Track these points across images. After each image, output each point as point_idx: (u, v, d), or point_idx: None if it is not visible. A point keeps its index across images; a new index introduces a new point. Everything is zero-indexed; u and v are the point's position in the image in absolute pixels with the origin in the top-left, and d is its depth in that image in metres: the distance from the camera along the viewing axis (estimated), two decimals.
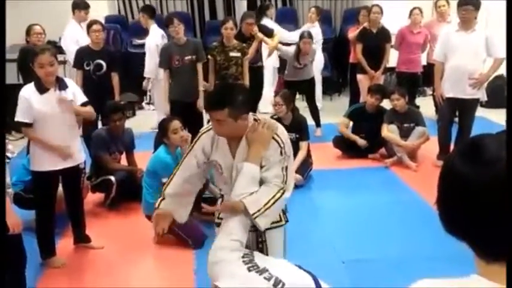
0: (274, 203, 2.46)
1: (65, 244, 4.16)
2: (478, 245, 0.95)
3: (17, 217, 2.88)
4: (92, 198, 4.92)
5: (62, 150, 3.66)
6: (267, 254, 2.65)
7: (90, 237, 4.18)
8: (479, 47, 5.40)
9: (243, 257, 2.34)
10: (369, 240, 4.18)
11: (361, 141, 6.18)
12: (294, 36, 7.40)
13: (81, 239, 4.15)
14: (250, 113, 2.60)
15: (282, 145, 2.53)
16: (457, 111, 5.87)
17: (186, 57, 5.73)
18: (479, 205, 0.91)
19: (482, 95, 5.81)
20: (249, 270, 2.27)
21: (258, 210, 2.44)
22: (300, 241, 3.97)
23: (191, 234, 4.16)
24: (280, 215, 2.73)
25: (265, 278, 2.23)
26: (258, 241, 2.69)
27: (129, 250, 4.16)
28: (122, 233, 4.47)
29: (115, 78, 5.84)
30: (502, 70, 6.20)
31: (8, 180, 3.01)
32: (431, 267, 3.16)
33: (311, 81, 7.16)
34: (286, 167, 2.52)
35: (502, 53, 5.33)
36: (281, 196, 2.49)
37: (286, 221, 2.80)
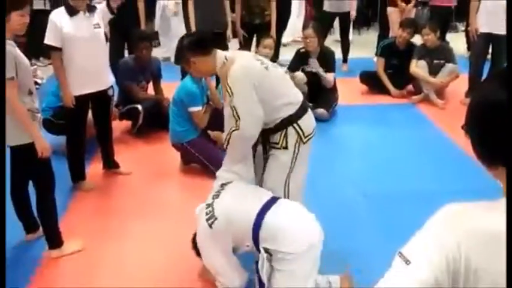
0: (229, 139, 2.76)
1: (94, 169, 4.29)
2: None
3: (45, 142, 2.96)
4: (119, 126, 5.02)
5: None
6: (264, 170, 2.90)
7: (118, 163, 4.29)
8: None
9: (221, 185, 2.81)
10: (390, 175, 4.22)
11: (394, 91, 6.07)
12: None
13: (110, 164, 4.27)
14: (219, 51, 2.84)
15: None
16: (491, 47, 5.68)
17: None
18: None
19: None
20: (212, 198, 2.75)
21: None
22: (322, 175, 4.03)
23: (216, 163, 4.23)
24: (285, 140, 2.80)
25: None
26: (263, 156, 2.92)
27: (157, 177, 4.28)
28: (149, 160, 4.58)
29: (141, 5, 5.77)
30: None
31: (37, 105, 3.06)
32: (453, 201, 3.18)
33: (349, 14, 6.99)
34: (234, 106, 2.65)
35: None
36: (235, 134, 2.69)
37: (301, 140, 2.81)
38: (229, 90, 2.66)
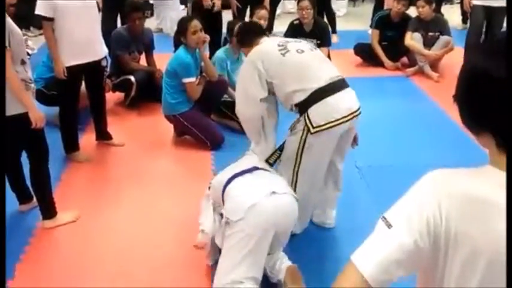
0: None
1: (87, 140, 4.28)
2: (499, 132, 0.97)
3: (39, 111, 2.94)
4: (112, 97, 4.98)
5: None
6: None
7: (111, 135, 4.28)
8: None
9: None
10: (384, 148, 4.24)
11: (389, 63, 6.04)
12: None
13: (103, 135, 4.26)
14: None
15: None
16: (486, 20, 5.64)
17: None
18: (500, 94, 0.95)
19: None
20: None
21: None
22: None
23: (210, 135, 4.24)
24: (294, 126, 2.79)
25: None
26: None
27: (149, 148, 4.27)
28: (142, 132, 4.57)
29: None
30: None
31: (30, 75, 3.02)
32: None
33: None
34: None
35: None
36: None
37: (308, 130, 2.72)
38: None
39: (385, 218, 1.04)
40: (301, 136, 2.72)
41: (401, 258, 1.01)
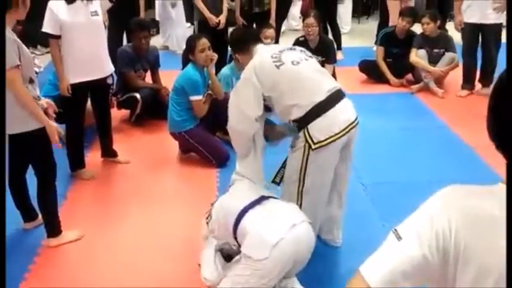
0: None
1: (93, 157, 4.28)
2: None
3: (55, 125, 2.95)
4: (117, 114, 5.00)
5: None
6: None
7: (117, 152, 4.29)
8: None
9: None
10: (390, 165, 4.22)
11: (394, 80, 6.05)
12: None
13: (109, 153, 4.26)
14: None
15: None
16: (480, 37, 5.59)
17: None
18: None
19: (503, 19, 5.53)
20: None
21: None
22: None
23: (215, 153, 4.24)
24: (295, 142, 2.74)
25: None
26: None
27: (155, 166, 4.27)
28: (148, 150, 4.57)
29: None
30: None
31: (38, 93, 3.05)
32: None
33: (334, 1, 6.92)
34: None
35: None
36: None
37: (309, 147, 2.68)
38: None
39: (396, 231, 1.06)
40: (303, 153, 2.67)
41: (409, 270, 1.02)
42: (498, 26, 5.37)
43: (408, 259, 1.02)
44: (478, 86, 5.79)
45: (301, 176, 2.72)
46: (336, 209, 3.05)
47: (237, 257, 2.55)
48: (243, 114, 2.74)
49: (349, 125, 2.70)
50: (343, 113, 2.70)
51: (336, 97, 2.71)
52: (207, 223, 2.75)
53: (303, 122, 2.65)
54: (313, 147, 2.63)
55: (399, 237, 1.04)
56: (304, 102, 2.64)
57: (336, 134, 2.64)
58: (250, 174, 2.84)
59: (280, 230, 2.39)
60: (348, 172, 3.01)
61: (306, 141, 2.65)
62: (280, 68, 2.69)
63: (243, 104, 2.74)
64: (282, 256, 2.36)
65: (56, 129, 2.93)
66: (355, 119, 2.75)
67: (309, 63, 2.79)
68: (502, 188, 1.00)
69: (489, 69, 5.48)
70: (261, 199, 2.61)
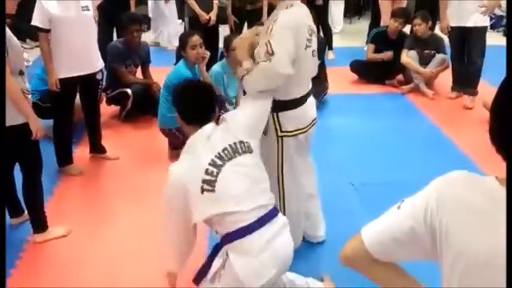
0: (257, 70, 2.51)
1: (81, 153, 4.25)
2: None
3: (39, 122, 2.92)
4: (107, 110, 4.96)
5: None
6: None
7: (105, 148, 4.25)
8: None
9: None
10: (380, 165, 4.22)
11: (388, 54, 6.04)
12: None
13: (97, 149, 4.23)
14: None
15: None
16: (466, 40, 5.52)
17: None
18: None
19: (487, 22, 5.52)
20: None
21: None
22: None
23: None
24: (274, 127, 2.68)
25: None
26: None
27: (144, 162, 4.24)
28: (137, 146, 4.54)
29: None
30: None
31: (27, 86, 3.01)
32: None
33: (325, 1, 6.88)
34: (269, 41, 2.46)
35: None
36: (264, 65, 2.47)
37: (281, 135, 2.69)
38: (270, 27, 2.50)
39: (402, 201, 1.18)
40: (277, 141, 2.70)
41: (399, 237, 1.14)
42: (484, 29, 5.39)
43: (399, 226, 1.14)
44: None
45: (280, 169, 2.76)
46: (313, 206, 3.08)
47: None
48: (290, 56, 2.48)
49: (312, 121, 2.80)
50: (310, 110, 2.78)
51: (308, 93, 2.77)
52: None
53: (278, 107, 2.63)
54: (279, 134, 2.69)
55: (399, 207, 1.17)
56: (293, 91, 2.64)
57: (303, 128, 2.73)
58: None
59: (262, 273, 2.22)
60: (312, 167, 3.06)
61: (274, 125, 2.68)
62: (306, 50, 2.61)
63: (288, 47, 2.47)
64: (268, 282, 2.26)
65: (39, 126, 2.89)
66: (315, 117, 2.85)
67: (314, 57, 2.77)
68: (493, 182, 1.05)
69: (473, 72, 5.48)
70: (270, 215, 2.32)
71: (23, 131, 2.85)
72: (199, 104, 2.34)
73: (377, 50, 6.17)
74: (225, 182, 2.20)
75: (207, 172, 2.20)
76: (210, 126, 2.32)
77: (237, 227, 2.20)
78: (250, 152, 2.34)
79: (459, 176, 1.12)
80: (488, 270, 1.00)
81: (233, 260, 2.21)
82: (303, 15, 2.63)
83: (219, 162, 2.22)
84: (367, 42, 6.59)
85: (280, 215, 2.36)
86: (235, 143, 2.30)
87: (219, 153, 2.24)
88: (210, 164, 2.21)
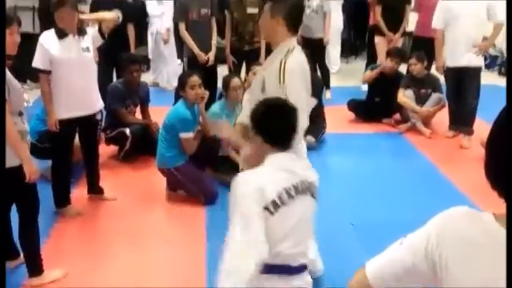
0: None
1: (79, 194, 4.22)
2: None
3: (34, 165, 2.91)
4: (105, 151, 4.96)
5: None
6: None
7: (103, 189, 4.23)
8: (480, 13, 5.21)
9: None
10: (378, 204, 4.21)
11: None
12: None
13: (95, 189, 4.21)
14: None
15: None
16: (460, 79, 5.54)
17: (203, 11, 5.68)
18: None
19: (481, 62, 5.61)
20: None
21: None
22: None
23: (203, 190, 4.21)
24: None
25: None
26: None
27: (142, 203, 4.22)
28: (135, 186, 4.52)
29: (131, 30, 5.80)
30: None
31: (27, 127, 3.02)
32: None
33: (321, 41, 6.97)
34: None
35: (501, 17, 5.16)
36: None
37: None
38: (281, 77, 2.62)
39: (404, 237, 1.21)
40: None
41: (401, 273, 1.18)
42: (478, 69, 5.46)
43: (401, 262, 1.17)
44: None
45: None
46: None
47: None
48: (305, 110, 2.63)
49: None
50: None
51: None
52: None
53: None
54: None
55: (401, 243, 1.20)
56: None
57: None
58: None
59: None
60: None
61: None
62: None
63: (304, 100, 2.64)
64: None
65: (34, 169, 2.87)
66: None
67: None
68: (490, 217, 1.07)
69: (468, 111, 5.51)
70: None
71: (19, 173, 2.84)
72: (287, 125, 2.20)
73: (373, 88, 6.24)
74: (287, 213, 2.07)
75: (280, 195, 2.06)
76: (292, 155, 2.22)
77: (274, 262, 2.07)
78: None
79: (459, 212, 1.14)
80: None
81: None
82: (304, 61, 2.76)
83: (293, 192, 2.10)
84: (363, 83, 6.68)
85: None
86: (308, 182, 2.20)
87: (296, 183, 2.12)
88: (284, 189, 2.07)
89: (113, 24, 4.04)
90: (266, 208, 2.01)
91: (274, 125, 2.17)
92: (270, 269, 2.04)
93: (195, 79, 4.19)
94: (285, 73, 2.62)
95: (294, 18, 2.75)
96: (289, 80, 2.61)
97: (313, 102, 5.17)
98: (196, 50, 5.63)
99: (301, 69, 2.70)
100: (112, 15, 4.11)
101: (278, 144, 2.16)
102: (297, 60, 2.70)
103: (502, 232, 1.03)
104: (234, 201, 2.03)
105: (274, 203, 2.03)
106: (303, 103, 2.57)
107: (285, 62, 2.65)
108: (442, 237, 1.11)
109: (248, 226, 1.96)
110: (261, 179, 2.06)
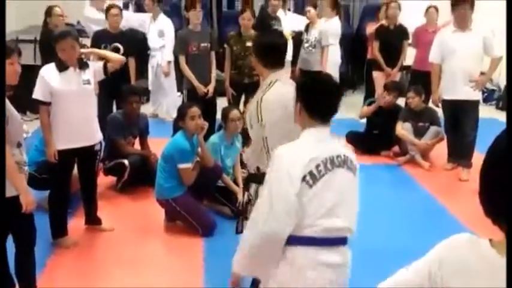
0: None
1: (76, 224, 4.19)
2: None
3: (30, 196, 2.90)
4: (104, 181, 4.95)
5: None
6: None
7: (101, 219, 4.20)
8: (477, 47, 5.28)
9: None
10: (377, 235, 4.17)
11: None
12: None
13: (93, 220, 4.18)
14: None
15: None
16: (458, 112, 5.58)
17: (202, 44, 5.76)
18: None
19: (479, 96, 5.67)
20: None
21: None
22: None
23: (201, 222, 4.18)
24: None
25: None
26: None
27: (139, 234, 4.19)
28: (133, 217, 4.49)
29: (131, 62, 5.86)
30: None
31: (25, 158, 3.02)
32: None
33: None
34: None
35: (498, 51, 5.25)
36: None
37: None
38: (259, 116, 2.66)
39: (410, 264, 1.34)
40: None
41: None
42: (476, 103, 5.49)
43: (407, 282, 1.30)
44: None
45: None
46: None
47: None
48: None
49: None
50: None
51: None
52: None
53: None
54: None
55: (407, 268, 1.33)
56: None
57: None
58: None
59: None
60: None
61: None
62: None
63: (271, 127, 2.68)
64: None
65: (30, 200, 2.86)
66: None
67: None
68: (486, 244, 1.15)
69: (466, 144, 5.52)
70: None
71: (16, 203, 2.83)
72: (329, 99, 2.27)
73: (371, 121, 6.28)
74: (324, 185, 2.11)
75: (318, 167, 2.11)
76: (329, 129, 2.29)
77: (304, 234, 2.12)
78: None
79: (460, 238, 1.23)
80: None
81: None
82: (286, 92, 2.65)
83: (329, 165, 2.14)
84: (361, 118, 6.73)
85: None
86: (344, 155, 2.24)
87: (332, 156, 2.17)
88: (322, 161, 2.12)
89: (119, 65, 4.08)
90: (304, 179, 2.07)
91: (317, 96, 2.23)
92: (306, 241, 2.11)
93: (195, 110, 4.22)
94: (261, 110, 2.65)
95: (264, 55, 2.80)
96: (266, 116, 2.65)
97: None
98: (196, 82, 5.69)
99: (279, 101, 2.64)
100: (120, 58, 4.14)
101: (318, 116, 2.22)
102: (276, 92, 2.71)
103: (497, 258, 1.09)
104: (272, 168, 2.12)
105: (312, 174, 2.09)
106: (283, 131, 2.52)
107: (261, 99, 2.69)
108: (443, 261, 1.20)
109: (278, 196, 2.05)
110: (300, 150, 2.14)
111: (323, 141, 2.21)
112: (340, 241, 2.25)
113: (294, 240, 2.11)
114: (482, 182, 1.15)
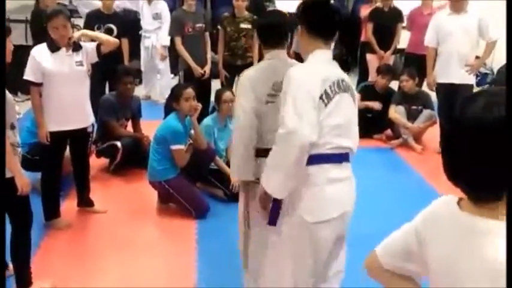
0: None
1: (68, 206, 4.19)
2: (470, 185, 1.22)
3: (25, 177, 2.90)
4: (96, 163, 4.94)
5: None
6: None
7: (93, 201, 4.20)
8: (473, 30, 5.27)
9: None
10: (368, 219, 4.19)
11: (376, 104, 6.12)
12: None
13: (85, 202, 4.18)
14: None
15: None
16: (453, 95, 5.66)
17: (197, 25, 5.73)
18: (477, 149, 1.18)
19: (473, 80, 5.67)
20: None
21: None
22: None
23: (194, 204, 4.19)
24: None
25: None
26: None
27: (132, 216, 4.19)
28: (125, 199, 4.50)
29: (125, 43, 5.81)
30: None
31: (18, 139, 3.00)
32: None
33: None
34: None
35: (494, 34, 5.24)
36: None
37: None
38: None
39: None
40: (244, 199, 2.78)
41: (402, 250, 1.39)
42: (470, 87, 5.50)
43: (401, 241, 1.41)
44: None
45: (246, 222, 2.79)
46: None
47: None
48: None
49: None
50: None
51: None
52: None
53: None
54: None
55: (400, 229, 1.45)
56: (263, 140, 2.66)
57: None
58: None
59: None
60: None
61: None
62: (268, 104, 2.72)
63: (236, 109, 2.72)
64: None
65: (25, 182, 2.86)
66: None
67: None
68: (454, 201, 1.29)
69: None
70: None
71: (11, 185, 2.82)
72: (331, 17, 2.38)
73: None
74: (336, 105, 2.23)
75: (330, 87, 2.23)
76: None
77: (320, 152, 2.24)
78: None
79: (441, 199, 1.38)
80: (449, 279, 1.20)
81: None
82: (270, 71, 2.66)
83: (336, 88, 2.26)
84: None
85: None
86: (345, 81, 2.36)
87: (338, 80, 2.28)
88: (333, 82, 2.24)
89: (113, 47, 4.04)
90: (321, 98, 2.19)
91: (318, 14, 2.35)
92: (321, 158, 2.26)
93: (190, 91, 4.19)
94: (237, 89, 2.68)
95: (266, 34, 2.83)
96: (237, 94, 2.72)
97: None
98: (192, 63, 5.66)
99: (253, 77, 2.63)
100: (114, 41, 4.08)
101: (320, 35, 2.32)
102: (253, 69, 2.76)
103: (459, 213, 1.23)
104: (289, 88, 2.19)
105: (326, 93, 2.21)
106: (245, 117, 2.56)
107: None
108: (425, 219, 1.35)
109: (304, 108, 2.14)
110: (313, 70, 2.26)
111: (329, 64, 2.35)
112: (346, 157, 2.43)
113: (310, 159, 2.21)
114: (445, 149, 1.29)
